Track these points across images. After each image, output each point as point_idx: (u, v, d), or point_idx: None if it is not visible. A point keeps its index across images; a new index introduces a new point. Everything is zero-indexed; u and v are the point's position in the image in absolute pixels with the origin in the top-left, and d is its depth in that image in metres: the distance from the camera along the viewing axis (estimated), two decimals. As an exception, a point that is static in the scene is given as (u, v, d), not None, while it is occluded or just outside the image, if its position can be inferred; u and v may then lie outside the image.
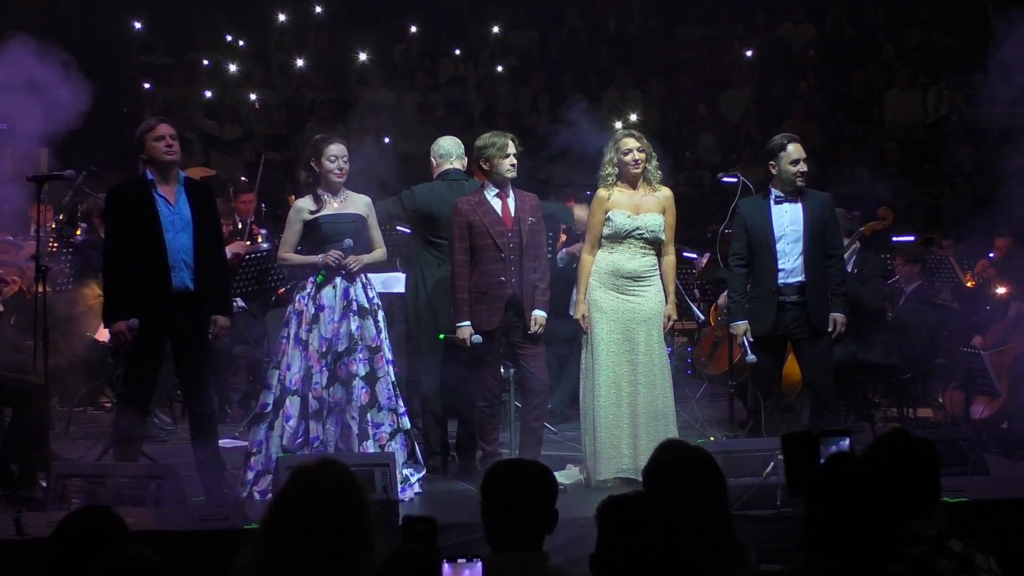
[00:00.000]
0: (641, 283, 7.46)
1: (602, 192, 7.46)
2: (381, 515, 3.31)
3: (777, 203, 7.59)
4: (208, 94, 15.71)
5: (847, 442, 3.82)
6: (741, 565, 3.89)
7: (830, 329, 7.57)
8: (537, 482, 3.73)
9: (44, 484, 6.66)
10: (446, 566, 3.11)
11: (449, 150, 7.99)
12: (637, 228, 7.43)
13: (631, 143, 7.45)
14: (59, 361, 8.25)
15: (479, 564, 3.13)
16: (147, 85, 15.04)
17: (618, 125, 13.98)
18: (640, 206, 7.45)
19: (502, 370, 7.50)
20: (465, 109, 16.03)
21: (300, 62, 16.21)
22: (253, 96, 15.71)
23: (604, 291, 7.43)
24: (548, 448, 7.88)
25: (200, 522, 5.85)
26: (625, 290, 7.44)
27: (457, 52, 17.03)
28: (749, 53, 16.61)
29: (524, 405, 7.49)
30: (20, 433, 7.12)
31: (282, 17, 16.51)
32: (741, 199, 7.96)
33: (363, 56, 16.19)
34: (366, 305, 7.22)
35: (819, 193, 7.79)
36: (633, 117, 13.75)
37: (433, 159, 8.08)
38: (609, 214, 7.42)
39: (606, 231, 7.44)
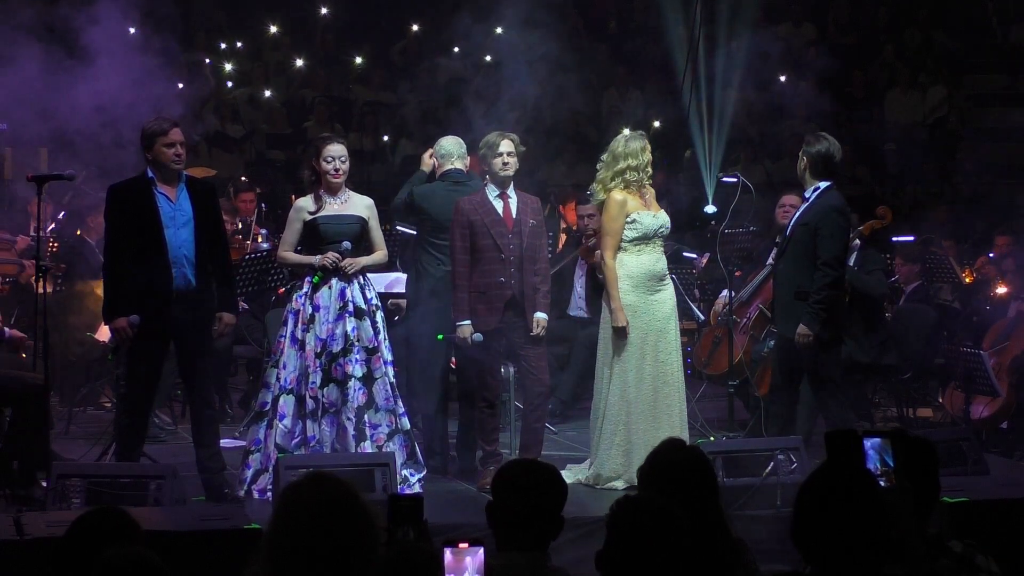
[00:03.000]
0: (664, 282, 7.48)
1: (619, 195, 7.34)
2: (381, 515, 3.30)
3: (803, 203, 7.59)
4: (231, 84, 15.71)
5: (867, 443, 3.77)
6: (740, 565, 3.89)
7: (799, 336, 7.24)
8: (548, 486, 3.73)
9: (44, 484, 6.65)
10: (447, 553, 3.07)
11: (450, 150, 8.00)
12: (661, 226, 7.43)
13: (646, 142, 7.45)
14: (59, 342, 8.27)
15: (481, 550, 3.08)
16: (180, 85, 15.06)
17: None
18: (650, 204, 7.45)
19: (502, 370, 7.50)
20: (465, 109, 16.01)
21: (299, 62, 16.19)
22: (259, 93, 15.67)
23: (637, 294, 7.35)
24: (548, 448, 7.87)
25: (200, 522, 5.86)
26: (653, 290, 7.41)
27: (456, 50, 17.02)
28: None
29: (525, 406, 7.49)
30: (20, 433, 7.12)
31: (278, 25, 16.49)
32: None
33: (359, 60, 16.17)
34: (363, 306, 7.21)
35: (830, 199, 7.40)
36: (656, 124, 13.74)
37: (435, 159, 8.08)
38: (634, 216, 7.35)
39: (632, 234, 7.35)
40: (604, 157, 7.48)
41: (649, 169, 7.43)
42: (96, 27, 8.21)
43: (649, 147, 7.44)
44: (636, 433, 7.25)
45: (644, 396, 7.33)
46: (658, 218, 7.43)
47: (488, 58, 14.04)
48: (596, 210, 9.61)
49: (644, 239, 7.38)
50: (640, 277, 7.37)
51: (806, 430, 7.85)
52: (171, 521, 5.85)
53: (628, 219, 7.35)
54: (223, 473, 7.06)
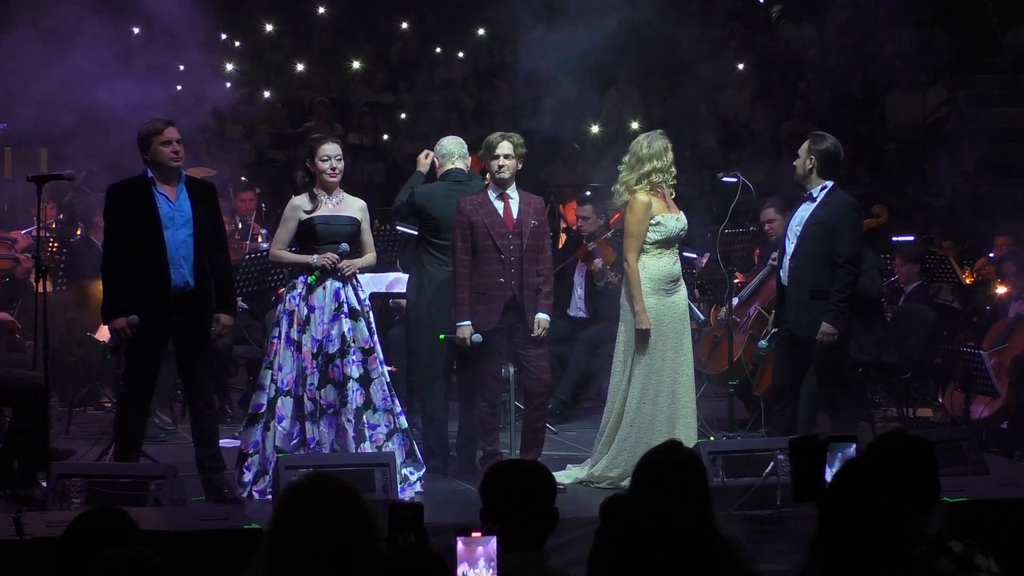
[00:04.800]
0: (678, 283, 7.49)
1: (645, 197, 7.31)
2: (382, 515, 3.30)
3: (803, 202, 7.57)
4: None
5: (852, 448, 3.81)
6: (736, 564, 3.89)
7: (817, 336, 7.28)
8: (536, 482, 3.72)
9: (44, 484, 6.65)
10: (459, 542, 3.07)
11: (451, 150, 8.01)
12: (682, 229, 7.44)
13: (668, 142, 7.44)
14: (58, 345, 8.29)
15: (493, 539, 3.08)
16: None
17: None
18: (671, 206, 7.44)
19: (502, 370, 7.50)
20: (459, 108, 16.03)
21: (300, 67, 16.20)
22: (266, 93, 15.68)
23: (657, 297, 7.35)
24: (548, 448, 7.87)
25: (200, 522, 5.86)
26: (671, 292, 7.42)
27: (460, 54, 17.01)
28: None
29: (526, 406, 7.49)
30: (21, 433, 7.12)
31: (276, 24, 16.50)
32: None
33: (356, 64, 16.17)
34: (357, 307, 7.20)
35: (842, 197, 7.50)
36: (635, 125, 13.73)
37: (436, 159, 8.09)
38: (658, 219, 7.32)
39: (656, 236, 7.33)
40: (626, 159, 7.41)
41: (673, 170, 7.42)
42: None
43: (671, 146, 7.42)
44: (656, 435, 7.20)
45: (664, 399, 7.35)
46: (680, 220, 7.43)
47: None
48: (592, 212, 9.65)
49: (666, 243, 7.37)
50: (660, 280, 7.37)
51: (805, 429, 7.84)
52: (171, 521, 5.85)
53: (652, 221, 7.33)
54: (223, 473, 7.06)
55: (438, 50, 16.85)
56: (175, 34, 9.67)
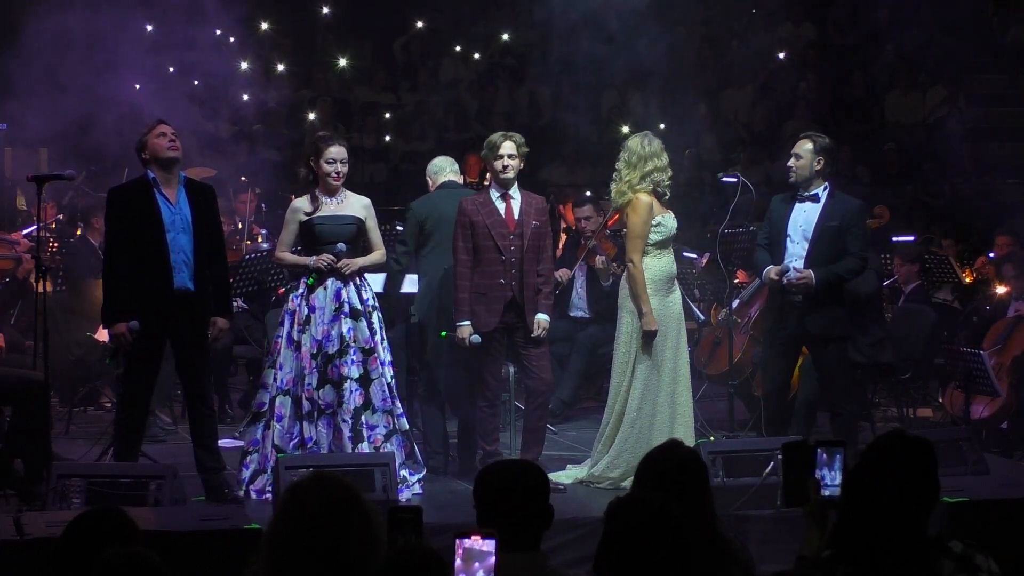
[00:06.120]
0: (674, 283, 7.51)
1: (647, 198, 7.33)
2: (382, 515, 3.30)
3: (800, 201, 7.58)
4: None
5: (841, 452, 3.82)
6: (736, 564, 3.90)
7: (798, 276, 7.40)
8: (527, 480, 3.71)
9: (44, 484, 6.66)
10: (458, 558, 3.07)
11: (442, 166, 8.16)
12: (677, 228, 7.46)
13: (661, 142, 7.46)
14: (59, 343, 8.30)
15: (493, 541, 3.09)
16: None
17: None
18: (664, 208, 7.45)
19: (502, 370, 7.50)
20: (461, 109, 16.03)
21: (290, 65, 16.19)
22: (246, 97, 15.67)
23: (658, 298, 7.36)
24: (548, 448, 7.88)
25: (200, 522, 5.87)
26: (670, 292, 7.44)
27: (462, 51, 17.00)
28: (782, 55, 16.57)
29: (527, 406, 7.49)
30: (21, 431, 7.12)
31: (275, 24, 16.49)
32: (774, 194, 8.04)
33: (343, 62, 16.17)
34: (359, 307, 7.19)
35: (849, 199, 7.66)
36: (662, 126, 13.75)
37: (428, 179, 8.20)
38: (659, 219, 7.35)
39: (657, 237, 7.35)
40: (627, 157, 7.38)
41: (669, 171, 7.43)
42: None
43: (664, 147, 7.44)
44: (656, 435, 7.20)
45: (664, 398, 7.36)
46: (675, 220, 7.46)
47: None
48: (593, 211, 9.65)
49: (665, 243, 7.40)
50: (661, 280, 7.39)
51: (800, 429, 7.86)
52: (171, 521, 5.86)
53: (653, 222, 7.34)
54: (223, 473, 7.06)
55: (457, 48, 16.83)
56: (194, 29, 9.75)
